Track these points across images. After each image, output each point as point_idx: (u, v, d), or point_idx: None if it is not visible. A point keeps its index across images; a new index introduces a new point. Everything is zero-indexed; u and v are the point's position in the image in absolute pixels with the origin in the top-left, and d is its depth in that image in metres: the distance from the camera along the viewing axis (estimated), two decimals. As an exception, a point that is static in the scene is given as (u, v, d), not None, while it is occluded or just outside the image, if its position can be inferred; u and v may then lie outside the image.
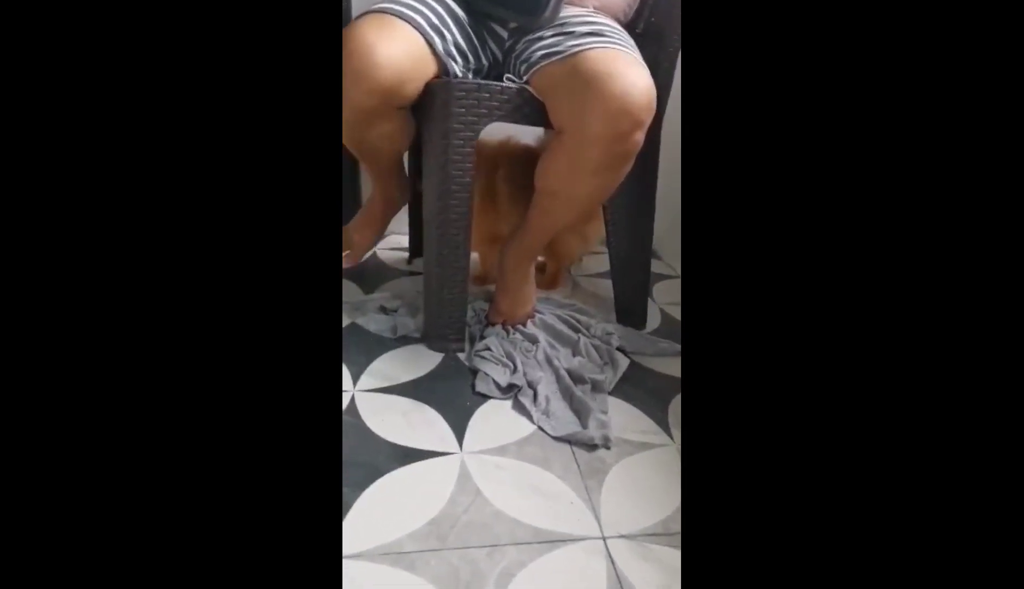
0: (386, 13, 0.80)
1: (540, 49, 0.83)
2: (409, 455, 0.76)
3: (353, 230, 1.11)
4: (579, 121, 0.77)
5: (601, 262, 1.44)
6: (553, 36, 0.83)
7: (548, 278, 1.24)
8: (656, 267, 1.37)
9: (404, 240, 1.45)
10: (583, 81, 0.76)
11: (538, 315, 1.08)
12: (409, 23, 0.80)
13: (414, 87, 0.82)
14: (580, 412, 0.84)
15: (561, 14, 0.87)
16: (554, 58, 0.80)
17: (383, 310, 1.09)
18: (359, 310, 1.09)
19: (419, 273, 1.29)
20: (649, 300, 1.19)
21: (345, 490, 0.69)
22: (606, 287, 1.29)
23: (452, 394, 0.89)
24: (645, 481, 0.74)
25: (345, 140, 0.90)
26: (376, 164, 1.01)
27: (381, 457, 0.75)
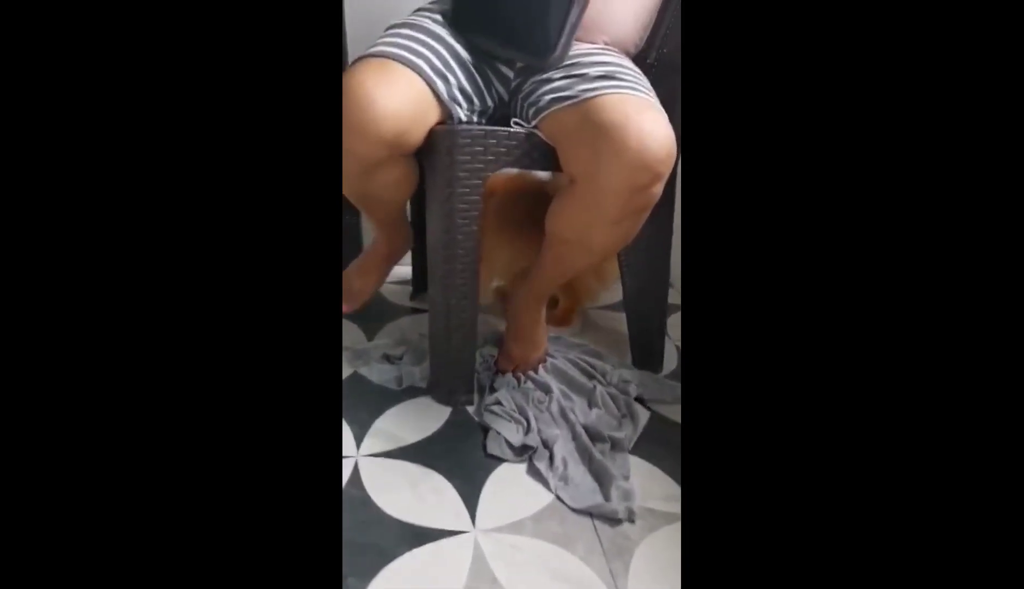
0: (386, 58, 0.74)
1: (549, 92, 0.77)
2: (419, 535, 0.71)
3: (353, 276, 1.05)
4: (594, 172, 0.72)
5: (611, 293, 1.39)
6: (562, 78, 0.78)
7: (559, 314, 1.19)
8: (670, 297, 1.31)
9: (406, 271, 1.40)
10: (597, 130, 0.70)
11: (550, 360, 1.02)
12: (411, 68, 0.74)
13: (418, 135, 0.77)
14: (600, 478, 0.79)
15: (570, 51, 0.81)
16: (565, 103, 0.75)
17: (387, 359, 1.03)
18: (361, 359, 1.04)
19: (423, 310, 1.24)
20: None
21: (352, 580, 0.64)
22: (618, 320, 1.24)
23: (462, 457, 0.84)
24: (671, 561, 0.69)
25: (346, 191, 0.85)
26: (378, 213, 0.95)
27: (389, 538, 0.70)
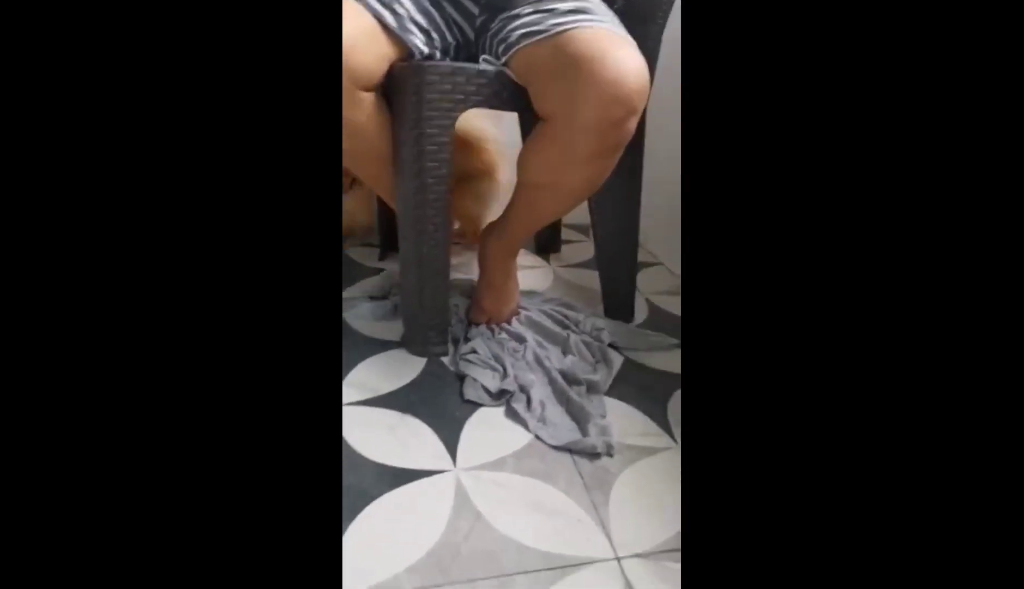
0: None
1: (519, 28, 0.76)
2: (399, 476, 0.70)
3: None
4: (567, 108, 0.71)
5: (581, 251, 1.39)
6: (532, 13, 0.77)
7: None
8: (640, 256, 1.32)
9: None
10: (570, 64, 0.69)
11: (523, 312, 1.02)
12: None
13: (366, 59, 0.74)
14: (578, 418, 0.79)
15: (539, -12, 0.80)
16: (536, 38, 0.74)
17: (371, 299, 1.06)
18: (345, 304, 1.06)
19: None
20: (635, 290, 1.14)
21: (332, 522, 0.63)
22: (588, 277, 1.25)
23: (440, 403, 0.83)
24: (652, 490, 0.70)
25: (349, 164, 0.84)
26: (380, 179, 0.90)
27: (368, 479, 0.69)
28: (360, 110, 0.78)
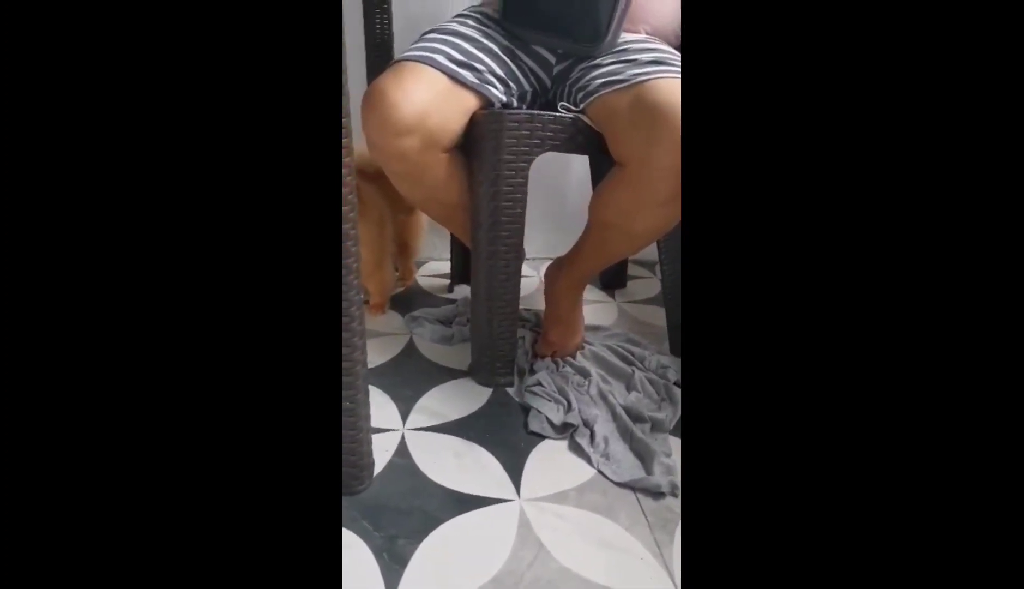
0: (401, 62, 0.80)
1: (600, 77, 0.80)
2: (465, 502, 0.72)
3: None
4: (645, 153, 0.73)
5: (647, 287, 1.40)
6: (613, 63, 0.80)
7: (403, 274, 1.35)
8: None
9: (444, 266, 1.43)
10: (649, 112, 0.72)
11: (587, 346, 1.04)
12: (426, 63, 0.78)
13: (443, 120, 0.79)
14: (642, 455, 0.80)
15: (618, 40, 0.84)
16: (616, 87, 0.77)
17: (440, 322, 1.15)
18: (415, 322, 1.16)
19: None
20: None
21: (402, 541, 0.66)
22: (653, 314, 1.25)
23: (504, 433, 0.86)
24: (716, 533, 0.70)
25: (421, 208, 0.90)
26: (454, 220, 0.96)
27: (435, 504, 0.72)
28: (439, 169, 0.83)
